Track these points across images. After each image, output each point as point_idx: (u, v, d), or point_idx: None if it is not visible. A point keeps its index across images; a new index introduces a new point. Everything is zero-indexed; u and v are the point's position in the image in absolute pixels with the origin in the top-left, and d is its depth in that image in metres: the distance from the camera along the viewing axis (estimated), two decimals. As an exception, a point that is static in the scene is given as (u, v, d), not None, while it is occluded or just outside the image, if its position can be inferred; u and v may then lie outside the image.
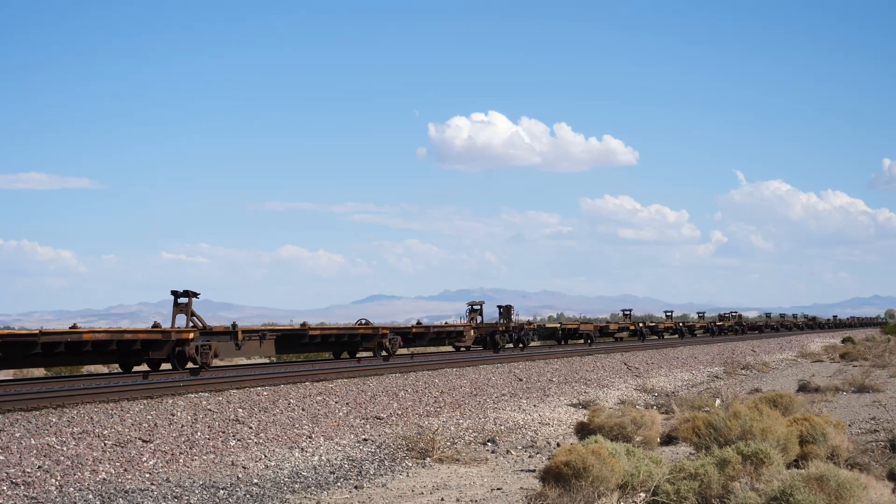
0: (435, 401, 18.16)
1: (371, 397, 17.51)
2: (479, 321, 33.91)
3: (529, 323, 37.76)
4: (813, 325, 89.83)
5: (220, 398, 15.64)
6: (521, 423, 16.97)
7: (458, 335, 31.46)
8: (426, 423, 15.76)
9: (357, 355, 26.00)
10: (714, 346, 43.34)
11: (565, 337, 41.39)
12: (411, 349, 30.83)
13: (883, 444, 12.98)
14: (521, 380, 22.69)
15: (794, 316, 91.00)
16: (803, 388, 22.89)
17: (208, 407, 14.73)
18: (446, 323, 33.95)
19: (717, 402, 18.27)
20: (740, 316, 70.28)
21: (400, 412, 16.67)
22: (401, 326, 28.00)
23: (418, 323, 29.23)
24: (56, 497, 10.02)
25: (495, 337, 33.57)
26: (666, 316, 62.67)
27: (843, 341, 53.96)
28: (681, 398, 19.91)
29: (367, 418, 15.86)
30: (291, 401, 16.10)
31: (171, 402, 14.91)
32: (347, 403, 16.65)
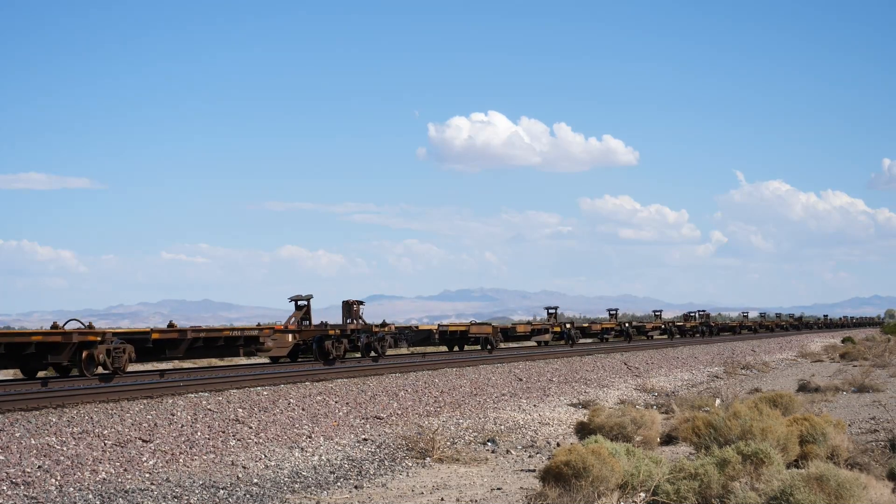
0: (435, 401, 18.17)
1: (371, 397, 17.52)
2: (302, 323, 26.01)
3: (385, 325, 28.10)
4: (799, 325, 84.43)
5: (220, 398, 15.65)
6: (521, 422, 16.97)
7: (251, 342, 22.16)
8: (426, 422, 15.76)
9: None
10: (714, 346, 43.38)
11: (449, 342, 33.56)
12: (160, 363, 23.20)
13: (883, 444, 12.98)
14: (521, 380, 22.70)
15: (779, 315, 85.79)
16: (803, 387, 22.90)
17: (208, 407, 14.74)
18: (231, 326, 24.01)
19: (717, 401, 18.27)
20: (708, 315, 63.96)
21: (400, 412, 16.68)
22: (136, 330, 19.76)
23: (171, 325, 20.51)
24: (56, 497, 10.02)
25: (325, 344, 25.22)
26: (655, 315, 61.97)
27: (842, 341, 53.99)
28: (681, 398, 19.92)
29: (367, 418, 15.87)
30: (291, 401, 16.11)
31: (171, 401, 14.91)
32: (347, 403, 16.66)
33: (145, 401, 14.89)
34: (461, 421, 16.57)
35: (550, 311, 42.20)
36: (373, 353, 26.64)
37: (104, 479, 10.81)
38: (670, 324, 58.85)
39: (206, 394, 16.10)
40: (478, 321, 38.65)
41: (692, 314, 63.12)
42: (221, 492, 10.75)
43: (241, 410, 14.81)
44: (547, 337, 40.17)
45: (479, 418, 17.02)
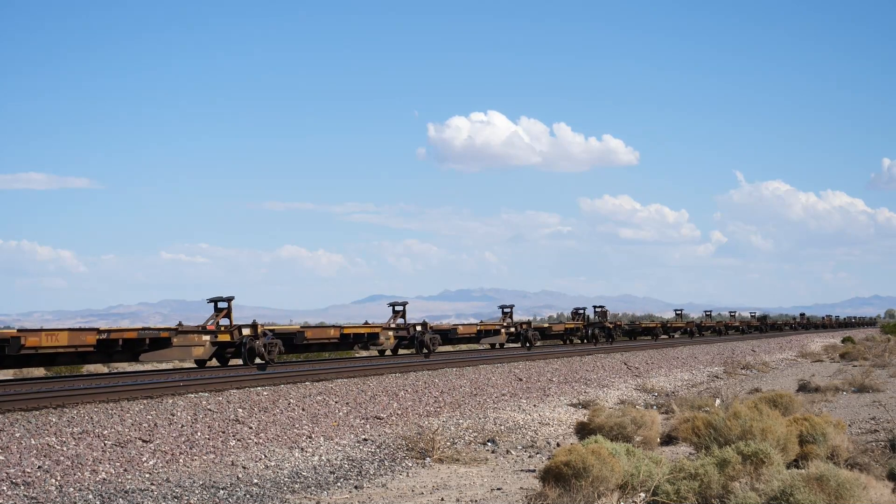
0: (435, 401, 18.17)
1: (371, 397, 17.51)
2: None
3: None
4: (763, 326, 74.62)
5: (220, 398, 15.64)
6: (521, 423, 16.96)
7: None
8: (426, 423, 15.75)
9: None
10: (714, 346, 43.38)
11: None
12: None
13: (883, 444, 12.97)
14: (521, 380, 22.70)
15: (753, 315, 77.47)
16: (803, 387, 22.90)
17: (208, 407, 14.73)
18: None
19: (717, 401, 18.26)
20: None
21: (400, 412, 16.67)
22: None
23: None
24: (56, 497, 10.02)
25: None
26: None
27: (842, 341, 53.98)
28: (681, 398, 19.91)
29: (367, 418, 15.86)
30: (291, 401, 16.10)
31: (171, 402, 14.91)
32: (347, 403, 16.65)
33: (145, 401, 14.89)
34: (461, 421, 16.56)
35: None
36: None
37: (104, 479, 10.81)
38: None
39: (206, 394, 16.10)
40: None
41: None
42: (221, 492, 10.75)
43: (241, 410, 14.80)
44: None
45: (479, 418, 17.01)
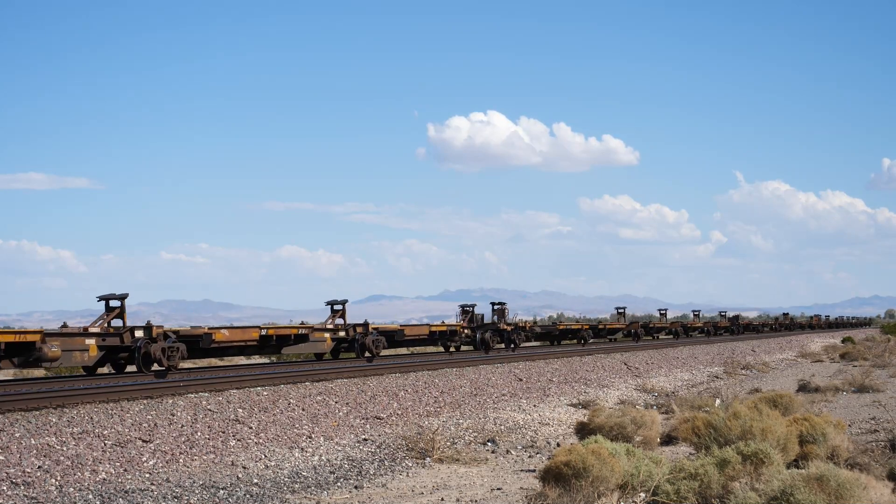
0: (435, 401, 18.17)
1: (371, 397, 17.52)
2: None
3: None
4: (735, 327, 65.50)
5: (220, 398, 15.64)
6: (521, 423, 16.97)
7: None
8: (426, 423, 15.76)
9: None
10: (714, 346, 43.38)
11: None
12: None
13: (883, 444, 12.98)
14: (520, 380, 22.70)
15: (724, 315, 68.41)
16: (803, 387, 22.91)
17: (208, 407, 14.73)
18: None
19: (717, 402, 18.27)
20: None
21: (400, 412, 16.68)
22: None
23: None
24: (56, 497, 10.02)
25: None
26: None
27: (842, 341, 54.02)
28: (681, 398, 19.91)
29: (367, 418, 15.86)
30: (291, 401, 16.10)
31: (171, 402, 14.91)
32: (347, 403, 16.65)
33: (145, 401, 14.88)
34: (461, 421, 16.56)
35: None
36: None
37: (104, 479, 10.81)
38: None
39: (206, 394, 16.10)
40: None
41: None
42: (221, 492, 10.75)
43: (241, 410, 14.80)
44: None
45: (479, 418, 17.01)
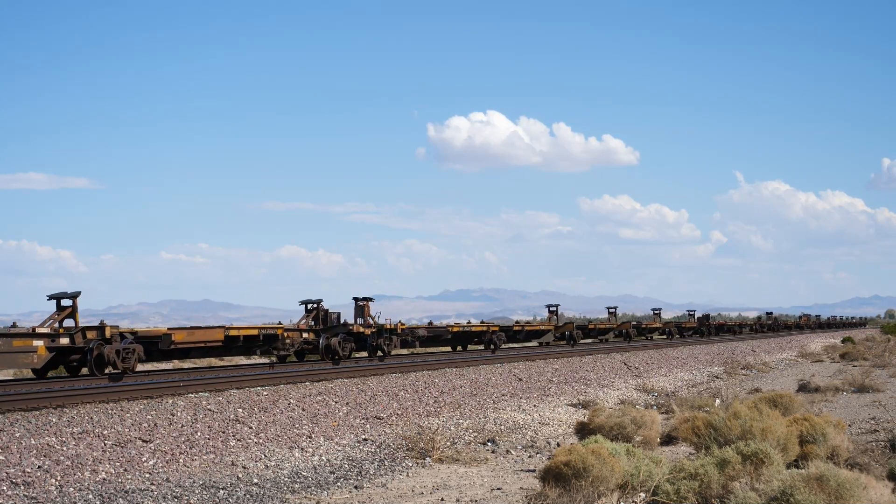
0: (435, 401, 18.17)
1: (371, 397, 17.52)
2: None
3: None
4: (705, 328, 59.21)
5: (220, 398, 15.65)
6: (521, 423, 16.97)
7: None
8: (426, 423, 15.75)
9: None
10: (714, 346, 43.39)
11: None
12: None
13: (883, 444, 12.98)
14: (521, 380, 22.70)
15: (690, 313, 62.51)
16: (803, 387, 22.91)
17: (208, 407, 14.74)
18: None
19: (717, 401, 18.27)
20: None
21: (400, 412, 16.68)
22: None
23: (430, 323, 22.43)
24: (56, 497, 10.02)
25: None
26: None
27: (843, 341, 54.03)
28: (681, 398, 19.92)
29: (367, 418, 15.87)
30: (291, 401, 16.10)
31: (171, 402, 14.91)
32: (347, 403, 16.65)
33: (145, 401, 14.89)
34: (461, 421, 16.56)
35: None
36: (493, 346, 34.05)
37: (104, 479, 10.81)
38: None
39: (206, 394, 16.10)
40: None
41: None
42: (221, 492, 10.75)
43: (241, 410, 14.80)
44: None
45: (479, 418, 17.01)
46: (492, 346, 34.24)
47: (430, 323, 33.05)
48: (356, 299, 27.54)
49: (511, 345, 39.32)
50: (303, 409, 15.58)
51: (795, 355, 42.44)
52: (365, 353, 27.23)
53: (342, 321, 26.21)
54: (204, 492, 10.69)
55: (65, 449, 11.53)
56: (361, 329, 26.29)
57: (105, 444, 11.96)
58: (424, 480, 11.75)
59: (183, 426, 13.35)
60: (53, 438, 11.87)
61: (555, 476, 9.58)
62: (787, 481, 8.57)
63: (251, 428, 13.90)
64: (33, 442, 11.63)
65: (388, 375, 20.88)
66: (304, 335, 24.49)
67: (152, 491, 10.55)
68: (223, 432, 13.40)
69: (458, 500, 10.55)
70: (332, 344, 24.76)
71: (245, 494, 10.73)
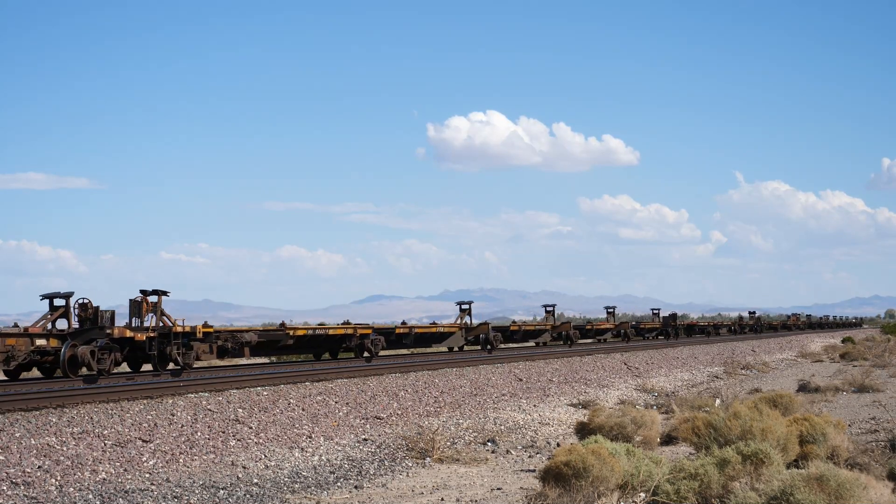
0: (435, 401, 18.17)
1: (371, 397, 17.52)
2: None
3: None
4: (670, 328, 52.25)
5: (220, 398, 15.65)
6: (521, 423, 16.97)
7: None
8: (426, 423, 15.76)
9: None
10: (714, 346, 43.39)
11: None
12: None
13: (883, 444, 12.98)
14: (521, 380, 22.70)
15: (655, 312, 55.08)
16: (803, 387, 22.91)
17: (208, 407, 14.74)
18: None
19: (717, 401, 18.27)
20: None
21: (400, 412, 16.68)
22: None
23: (433, 323, 21.86)
24: (56, 497, 10.02)
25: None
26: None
27: (842, 341, 54.03)
28: (681, 398, 19.92)
29: (367, 418, 15.87)
30: (291, 401, 16.10)
31: (171, 402, 14.91)
32: (347, 403, 16.65)
33: (145, 401, 14.89)
34: (461, 421, 16.57)
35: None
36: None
37: (104, 479, 10.81)
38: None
39: (206, 394, 16.10)
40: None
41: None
42: (221, 492, 10.75)
43: (241, 410, 14.80)
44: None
45: (479, 418, 17.02)
46: (365, 355, 25.49)
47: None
48: (143, 292, 19.64)
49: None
50: (303, 409, 15.58)
51: (796, 355, 42.46)
52: (149, 367, 20.16)
53: (109, 322, 18.66)
54: (204, 492, 10.69)
55: (65, 449, 11.53)
56: (131, 333, 18.72)
57: (105, 444, 11.96)
58: (424, 480, 11.76)
59: (183, 426, 13.35)
60: (53, 438, 11.87)
61: (555, 476, 9.58)
62: (787, 481, 8.57)
63: (251, 428, 13.90)
64: (33, 442, 11.63)
65: (387, 375, 20.88)
66: (38, 342, 17.64)
67: (152, 491, 10.55)
68: (223, 432, 13.41)
69: (458, 500, 10.55)
70: (80, 354, 17.64)
71: (245, 494, 10.73)
